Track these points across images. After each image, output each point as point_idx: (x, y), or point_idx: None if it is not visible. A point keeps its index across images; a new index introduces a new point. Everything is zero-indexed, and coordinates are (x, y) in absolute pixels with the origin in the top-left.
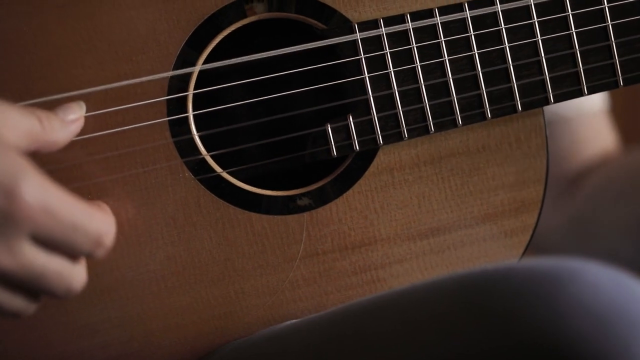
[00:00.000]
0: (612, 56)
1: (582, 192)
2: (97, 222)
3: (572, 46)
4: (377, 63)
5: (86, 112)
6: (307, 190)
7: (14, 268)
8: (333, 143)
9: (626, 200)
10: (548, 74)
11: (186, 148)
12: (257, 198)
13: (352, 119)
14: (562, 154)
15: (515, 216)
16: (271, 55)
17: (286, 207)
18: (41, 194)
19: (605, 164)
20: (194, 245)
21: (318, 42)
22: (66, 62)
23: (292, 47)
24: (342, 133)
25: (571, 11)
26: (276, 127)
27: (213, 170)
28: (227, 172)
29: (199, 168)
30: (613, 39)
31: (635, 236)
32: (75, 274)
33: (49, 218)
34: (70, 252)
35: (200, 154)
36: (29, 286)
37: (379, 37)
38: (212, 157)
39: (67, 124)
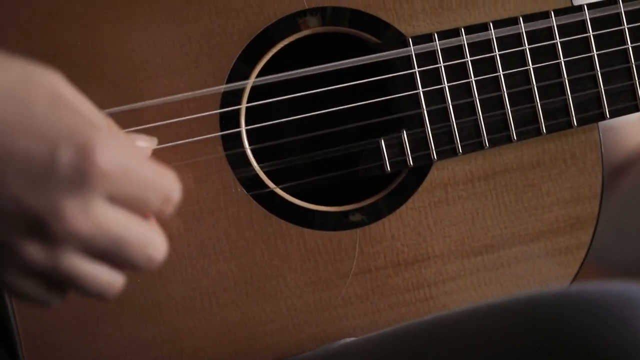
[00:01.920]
0: None
1: (616, 193)
2: (167, 180)
3: (627, 60)
4: (431, 77)
5: (139, 126)
6: (360, 206)
7: (93, 232)
8: (387, 158)
9: None
10: (604, 88)
11: (239, 162)
12: (310, 214)
13: (406, 134)
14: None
15: (570, 233)
16: (324, 69)
17: (339, 222)
18: (115, 151)
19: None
20: (246, 261)
21: (371, 55)
22: (119, 77)
23: (346, 61)
24: (396, 148)
25: (627, 25)
26: (328, 141)
27: (266, 186)
28: (280, 188)
29: (252, 183)
30: None
31: None
32: (155, 240)
33: (124, 176)
34: (143, 210)
35: (253, 168)
36: (111, 253)
37: (433, 52)
38: (265, 172)
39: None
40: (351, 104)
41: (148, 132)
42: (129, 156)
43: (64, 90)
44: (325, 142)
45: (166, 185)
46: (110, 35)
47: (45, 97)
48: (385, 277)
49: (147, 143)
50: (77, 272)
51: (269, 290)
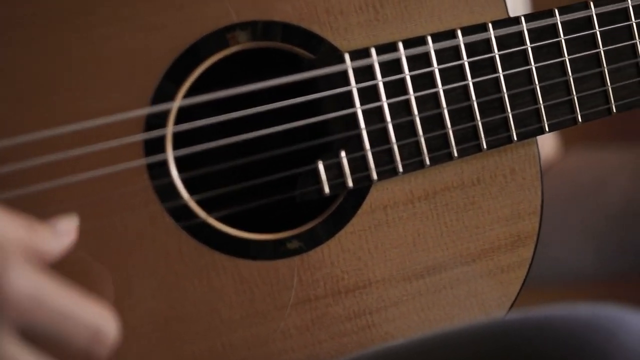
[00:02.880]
0: (604, 83)
1: None
2: (93, 312)
3: (565, 73)
4: (369, 94)
5: (56, 152)
6: (296, 233)
7: None
8: (325, 181)
9: (572, 207)
10: (542, 102)
11: (166, 192)
12: (244, 243)
13: (345, 155)
14: None
15: (512, 250)
16: (256, 87)
17: (276, 251)
18: (29, 281)
19: (546, 173)
20: (176, 297)
21: (307, 72)
22: (36, 100)
23: (279, 79)
24: (334, 170)
25: (564, 37)
26: (263, 165)
27: (196, 216)
28: (212, 217)
29: (181, 213)
30: (605, 65)
31: (592, 240)
32: None
33: (37, 307)
34: (64, 348)
35: (182, 198)
36: None
37: (370, 67)
38: (195, 201)
39: (58, 234)
40: (286, 123)
41: (67, 161)
42: (45, 286)
43: None
44: (259, 166)
45: (92, 318)
46: (26, 56)
47: None
48: (326, 306)
49: (68, 225)
50: None
51: (203, 327)
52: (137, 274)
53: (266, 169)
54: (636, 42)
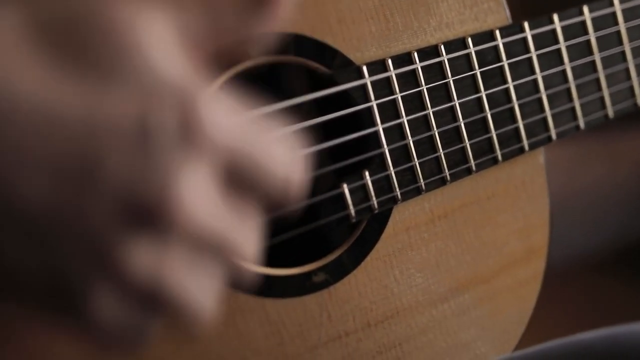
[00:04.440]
0: (600, 88)
1: None
2: (289, 155)
3: (566, 80)
4: (387, 110)
5: None
6: (323, 264)
7: (205, 222)
8: (352, 206)
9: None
10: (550, 110)
11: None
12: (269, 280)
13: (369, 175)
14: None
15: (527, 263)
16: (270, 108)
17: (302, 286)
18: (226, 117)
19: None
20: (202, 349)
21: (329, 89)
22: None
23: (301, 97)
24: (359, 193)
25: (564, 42)
26: None
27: None
28: None
29: None
30: (601, 70)
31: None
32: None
33: (239, 147)
34: (257, 195)
35: None
36: (215, 252)
37: (387, 81)
38: None
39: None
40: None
41: None
42: (242, 124)
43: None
44: None
45: (288, 161)
46: None
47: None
48: (357, 341)
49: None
50: (184, 281)
51: None
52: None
53: None
54: (625, 47)
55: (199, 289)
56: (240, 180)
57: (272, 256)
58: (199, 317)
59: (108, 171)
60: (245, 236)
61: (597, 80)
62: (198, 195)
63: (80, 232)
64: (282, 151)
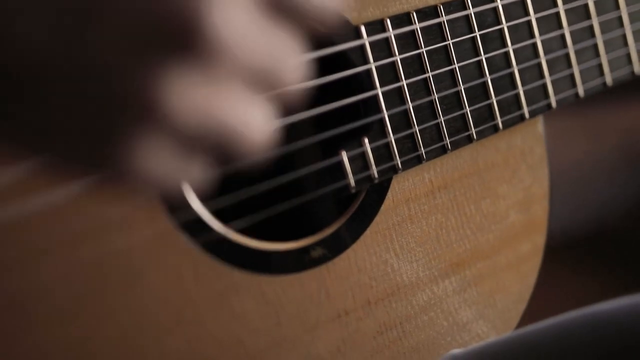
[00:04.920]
0: (598, 54)
1: None
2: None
3: (565, 45)
4: (386, 73)
5: None
6: (320, 238)
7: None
8: (351, 175)
9: None
10: (549, 76)
11: (176, 203)
12: (265, 256)
13: (368, 143)
14: None
15: (527, 237)
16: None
17: (300, 262)
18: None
19: None
20: (195, 331)
21: (326, 49)
22: None
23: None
24: (358, 161)
25: (563, 5)
26: (280, 163)
27: (211, 229)
28: (229, 228)
29: (194, 227)
30: (600, 36)
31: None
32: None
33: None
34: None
35: (194, 210)
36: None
37: (386, 42)
38: (211, 211)
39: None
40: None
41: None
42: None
43: None
44: (275, 163)
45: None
46: None
47: None
48: (357, 320)
49: None
50: (236, 113)
51: None
52: (147, 310)
53: (287, 167)
54: (622, 12)
55: (251, 118)
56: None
57: (266, 230)
58: (255, 141)
59: None
60: (290, 61)
61: (595, 46)
62: (233, 10)
63: (98, 74)
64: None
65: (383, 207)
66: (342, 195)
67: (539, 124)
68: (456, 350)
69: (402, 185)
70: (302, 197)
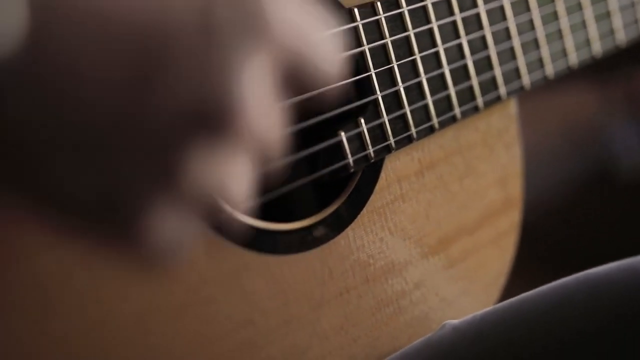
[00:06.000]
0: (562, 37)
1: None
2: None
3: (533, 27)
4: (378, 56)
5: None
6: (321, 218)
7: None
8: (350, 155)
9: None
10: (522, 57)
11: None
12: (273, 236)
13: (364, 123)
14: None
15: (505, 214)
16: None
17: (304, 241)
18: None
19: None
20: (208, 312)
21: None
22: None
23: None
24: (355, 142)
25: None
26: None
27: (221, 210)
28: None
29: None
30: (563, 16)
31: None
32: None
33: (302, 44)
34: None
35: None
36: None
37: (377, 23)
38: None
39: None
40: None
41: None
42: (306, 21)
43: None
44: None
45: (339, 62)
46: None
47: None
48: (357, 297)
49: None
50: (231, 180)
51: (238, 344)
52: (160, 290)
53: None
54: None
55: (239, 181)
56: (294, 77)
57: (268, 212)
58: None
59: (171, 71)
60: (278, 133)
61: (560, 30)
62: (259, 97)
63: (141, 140)
64: (334, 51)
65: (377, 187)
66: (342, 175)
67: (513, 105)
68: (452, 321)
69: (394, 165)
70: (305, 179)
